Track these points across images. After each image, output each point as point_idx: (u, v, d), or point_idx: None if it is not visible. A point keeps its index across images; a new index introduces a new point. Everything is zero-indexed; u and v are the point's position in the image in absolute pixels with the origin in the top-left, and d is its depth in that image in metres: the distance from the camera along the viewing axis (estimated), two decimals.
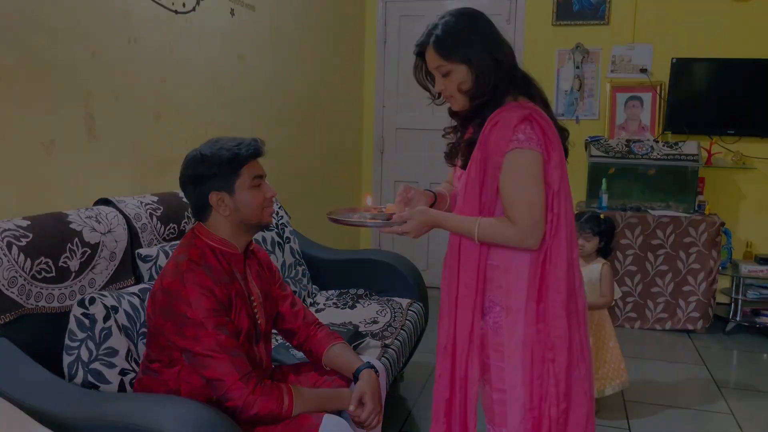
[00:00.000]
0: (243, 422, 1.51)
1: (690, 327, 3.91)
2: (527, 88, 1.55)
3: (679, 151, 3.96)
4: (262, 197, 1.64)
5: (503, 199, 1.49)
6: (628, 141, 4.07)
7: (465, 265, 1.57)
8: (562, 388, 1.53)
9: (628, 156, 4.01)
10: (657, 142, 4.07)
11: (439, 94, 1.62)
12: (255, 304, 1.69)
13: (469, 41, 1.50)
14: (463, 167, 1.59)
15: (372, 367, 1.74)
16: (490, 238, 1.50)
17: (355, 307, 2.79)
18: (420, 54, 1.58)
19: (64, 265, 1.75)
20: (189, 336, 1.49)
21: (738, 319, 3.94)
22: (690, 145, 3.98)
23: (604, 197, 4.01)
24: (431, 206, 1.69)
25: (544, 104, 1.57)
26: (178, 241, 2.03)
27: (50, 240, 1.72)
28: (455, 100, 1.58)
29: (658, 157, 3.97)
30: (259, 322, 1.70)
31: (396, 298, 2.88)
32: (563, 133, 1.59)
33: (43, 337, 1.69)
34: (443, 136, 1.72)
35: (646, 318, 3.99)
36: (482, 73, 1.50)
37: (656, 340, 3.82)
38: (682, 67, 4.11)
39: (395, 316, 2.68)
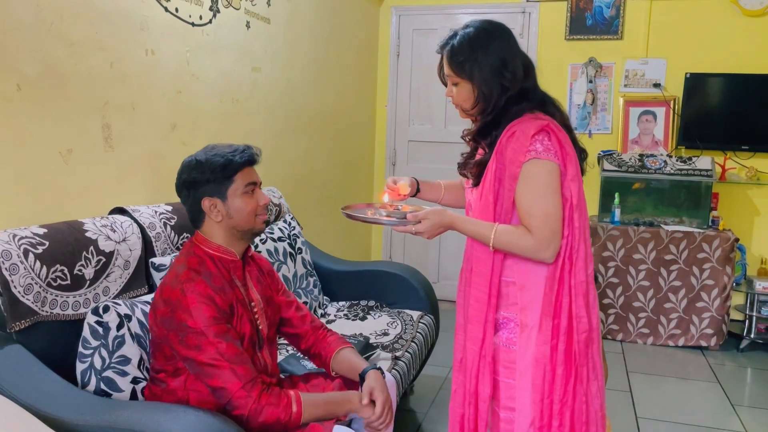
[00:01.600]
0: (253, 431, 1.51)
1: (703, 344, 3.87)
2: (543, 107, 1.54)
3: (693, 166, 3.94)
4: (254, 204, 1.64)
5: (520, 209, 1.47)
6: (641, 155, 4.06)
7: (477, 279, 1.56)
8: (570, 406, 1.50)
9: (641, 170, 3.99)
10: (670, 156, 4.05)
11: None
12: (256, 309, 1.70)
13: (478, 61, 1.49)
14: (475, 185, 1.58)
15: (379, 368, 1.75)
16: (506, 246, 1.48)
17: (366, 318, 2.79)
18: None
19: (79, 273, 1.77)
20: (191, 345, 1.49)
21: (752, 336, 3.89)
22: (704, 161, 3.96)
23: (617, 212, 3.99)
24: (416, 194, 1.73)
25: (564, 124, 1.55)
26: None
27: (66, 248, 1.74)
28: (459, 110, 1.59)
29: (672, 171, 3.95)
30: (260, 327, 1.71)
31: (407, 311, 2.87)
32: (582, 153, 1.57)
33: (57, 345, 1.71)
34: (462, 137, 1.69)
35: (659, 334, 3.95)
36: (484, 96, 1.50)
37: (669, 357, 3.78)
38: (695, 82, 4.10)
39: (406, 329, 2.67)
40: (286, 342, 2.10)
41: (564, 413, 1.50)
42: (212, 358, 1.48)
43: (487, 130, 1.53)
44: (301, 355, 2.17)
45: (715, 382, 3.40)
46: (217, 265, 1.63)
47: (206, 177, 1.59)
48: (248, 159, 1.63)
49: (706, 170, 3.91)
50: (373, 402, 1.65)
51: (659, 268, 3.89)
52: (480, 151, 1.62)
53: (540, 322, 1.50)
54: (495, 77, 1.48)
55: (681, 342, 3.91)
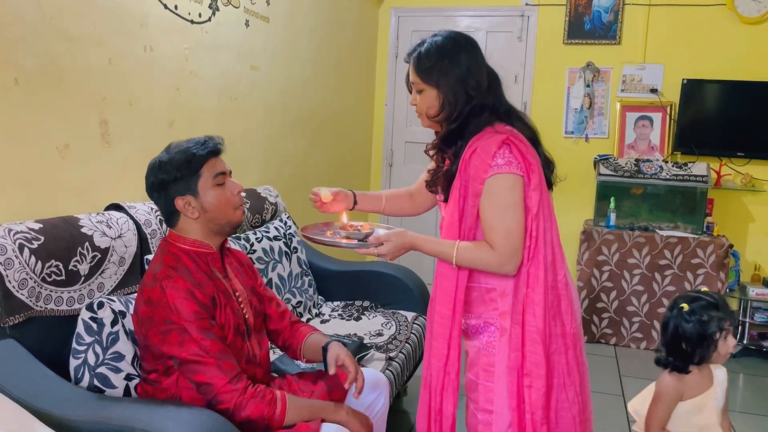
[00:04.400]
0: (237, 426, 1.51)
1: None
2: (509, 119, 1.54)
3: (689, 172, 3.96)
4: (227, 194, 1.62)
5: (483, 223, 1.48)
6: (637, 160, 4.07)
7: (442, 295, 1.55)
8: (539, 415, 1.49)
9: (636, 175, 4.01)
10: (666, 162, 4.07)
11: None
12: (241, 299, 1.70)
13: (444, 69, 1.49)
14: (446, 200, 1.57)
15: (340, 341, 1.76)
16: (469, 263, 1.49)
17: (361, 319, 2.79)
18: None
19: (74, 268, 1.77)
20: (174, 342, 1.49)
21: (745, 342, 3.91)
22: (699, 166, 3.97)
23: (612, 216, 4.01)
24: (353, 206, 1.76)
25: (531, 137, 1.54)
26: None
27: (61, 243, 1.74)
28: (422, 118, 1.58)
29: (667, 177, 3.96)
30: (247, 316, 1.70)
31: (401, 311, 2.88)
32: (549, 165, 1.58)
33: (51, 340, 1.70)
34: (425, 152, 1.69)
35: (652, 339, 3.96)
36: (449, 103, 1.50)
37: None
38: (692, 88, 4.12)
39: (400, 329, 2.67)
40: None
41: (536, 423, 1.49)
42: (196, 354, 1.48)
43: (451, 139, 1.53)
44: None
45: None
46: (194, 260, 1.61)
47: (173, 176, 1.57)
48: (211, 149, 1.60)
49: (702, 176, 3.92)
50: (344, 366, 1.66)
51: (653, 273, 3.90)
52: (446, 162, 1.62)
53: (510, 328, 1.51)
54: (460, 85, 1.49)
55: None
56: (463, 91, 1.49)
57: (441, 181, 1.57)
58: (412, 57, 1.55)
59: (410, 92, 1.62)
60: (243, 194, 1.67)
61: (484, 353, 1.57)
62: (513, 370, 1.51)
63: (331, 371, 1.67)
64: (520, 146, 1.47)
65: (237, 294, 1.69)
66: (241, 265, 1.79)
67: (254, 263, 2.07)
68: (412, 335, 2.65)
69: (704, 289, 1.81)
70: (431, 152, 1.66)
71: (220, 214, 1.62)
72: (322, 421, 1.60)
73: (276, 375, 1.92)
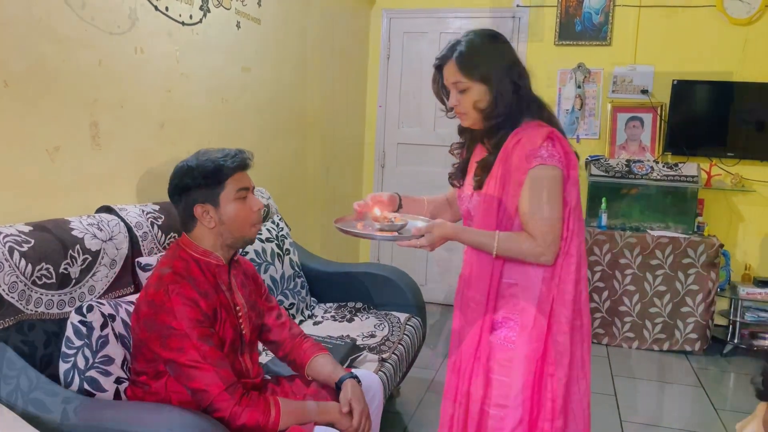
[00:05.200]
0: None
1: (688, 348, 3.90)
2: (540, 112, 1.58)
3: (679, 172, 3.98)
4: (248, 210, 1.63)
5: (523, 214, 1.50)
6: (628, 161, 4.09)
7: (477, 282, 1.58)
8: (559, 404, 1.53)
9: (628, 176, 4.03)
10: (657, 162, 4.09)
11: (452, 108, 1.63)
12: (240, 314, 1.69)
13: (491, 62, 1.52)
14: (477, 188, 1.59)
15: (355, 377, 1.75)
16: (508, 252, 1.51)
17: (353, 320, 2.79)
18: (439, 67, 1.60)
19: (65, 271, 1.76)
20: (174, 348, 1.48)
21: (736, 341, 3.93)
22: (690, 167, 4.00)
23: (604, 216, 4.02)
24: (398, 209, 1.74)
25: (559, 129, 1.59)
26: None
27: (52, 246, 1.73)
28: (467, 116, 1.58)
29: (658, 177, 3.99)
30: (244, 332, 1.70)
31: (394, 313, 2.87)
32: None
33: (41, 344, 1.69)
34: (451, 152, 1.74)
35: (644, 338, 3.98)
36: (500, 95, 1.52)
37: (654, 361, 3.81)
38: (682, 89, 4.14)
39: (393, 331, 2.67)
40: None
41: (549, 408, 1.52)
42: (195, 360, 1.48)
43: (495, 130, 1.55)
44: None
45: (699, 386, 3.43)
46: (202, 270, 1.62)
47: (197, 182, 1.58)
48: (240, 164, 1.61)
49: (692, 176, 3.95)
50: (350, 413, 1.66)
51: (645, 273, 3.92)
52: (478, 153, 1.64)
53: (534, 320, 1.53)
54: (507, 77, 1.52)
55: (666, 346, 3.94)
56: (510, 82, 1.52)
57: (477, 170, 1.59)
58: (452, 59, 1.54)
59: (440, 98, 1.64)
60: (261, 213, 1.68)
61: (501, 348, 1.59)
62: (532, 361, 1.53)
63: (345, 410, 1.66)
64: (562, 141, 1.51)
65: (238, 308, 1.69)
66: (246, 277, 1.79)
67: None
68: (405, 336, 2.65)
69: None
70: (456, 151, 1.71)
71: (236, 229, 1.62)
72: (316, 423, 1.60)
73: (269, 378, 1.91)
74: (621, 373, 3.56)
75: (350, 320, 2.79)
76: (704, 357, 3.89)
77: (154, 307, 1.51)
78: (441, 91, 1.63)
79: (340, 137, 4.41)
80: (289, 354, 1.84)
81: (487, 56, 1.52)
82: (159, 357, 1.52)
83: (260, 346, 1.94)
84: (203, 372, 1.48)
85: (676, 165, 4.02)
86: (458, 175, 1.71)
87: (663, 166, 4.03)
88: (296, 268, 2.92)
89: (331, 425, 1.64)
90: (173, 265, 1.59)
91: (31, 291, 1.67)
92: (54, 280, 1.73)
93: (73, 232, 1.82)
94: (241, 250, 1.75)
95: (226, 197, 1.60)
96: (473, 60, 1.52)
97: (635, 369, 3.66)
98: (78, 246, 1.81)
